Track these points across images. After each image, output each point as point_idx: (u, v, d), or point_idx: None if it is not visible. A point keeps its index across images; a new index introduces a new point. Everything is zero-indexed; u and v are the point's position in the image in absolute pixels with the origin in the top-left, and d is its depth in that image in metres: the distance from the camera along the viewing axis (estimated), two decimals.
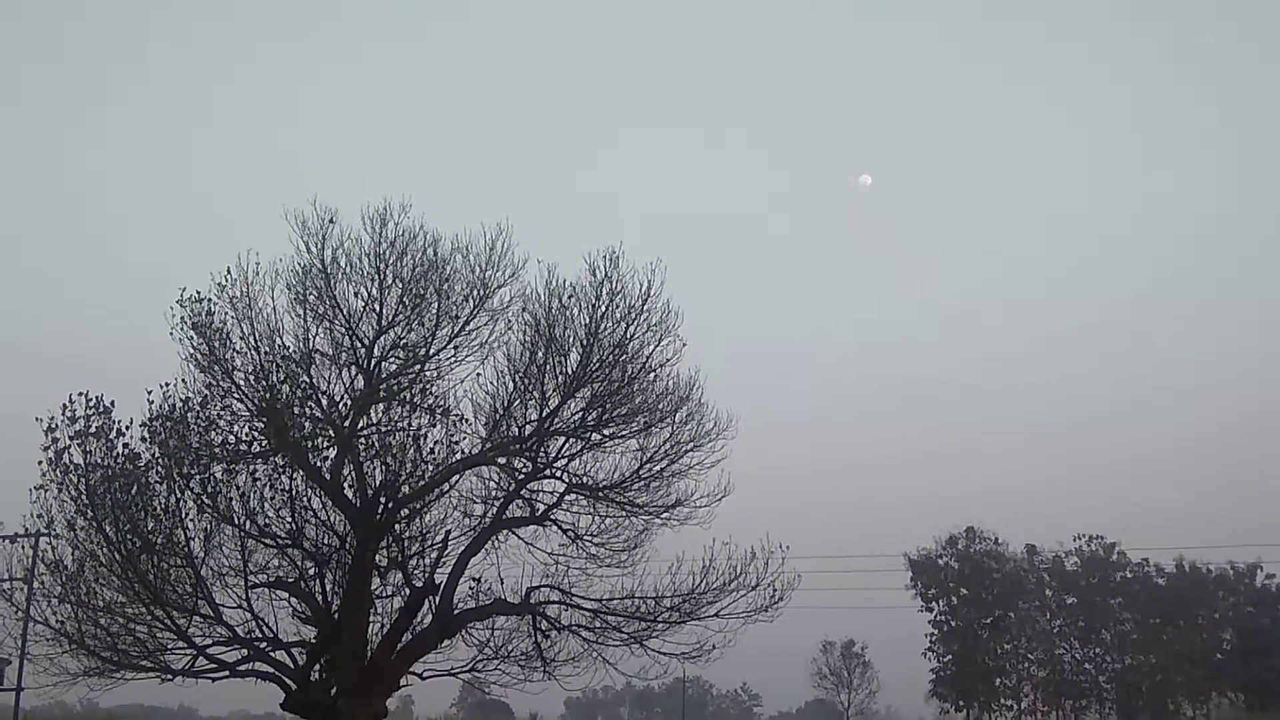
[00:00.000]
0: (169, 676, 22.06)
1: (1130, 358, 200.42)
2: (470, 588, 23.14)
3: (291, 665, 22.32)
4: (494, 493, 23.76)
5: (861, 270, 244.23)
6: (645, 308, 23.18)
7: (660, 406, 23.78)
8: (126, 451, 21.48)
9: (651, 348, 23.44)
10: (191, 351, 22.23)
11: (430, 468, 22.34)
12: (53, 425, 21.18)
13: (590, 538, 23.83)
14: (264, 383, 22.00)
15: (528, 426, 23.16)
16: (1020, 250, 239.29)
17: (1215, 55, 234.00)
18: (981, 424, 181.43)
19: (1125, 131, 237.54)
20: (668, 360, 23.60)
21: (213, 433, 22.07)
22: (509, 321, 23.45)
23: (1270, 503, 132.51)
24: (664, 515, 24.04)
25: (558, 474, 23.81)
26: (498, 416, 23.08)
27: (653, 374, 23.63)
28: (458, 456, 22.69)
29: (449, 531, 23.09)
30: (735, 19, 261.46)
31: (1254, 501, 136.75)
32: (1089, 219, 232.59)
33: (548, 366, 23.00)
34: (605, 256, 23.09)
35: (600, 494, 23.77)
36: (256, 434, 22.17)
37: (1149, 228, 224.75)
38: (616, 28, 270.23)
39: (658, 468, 23.81)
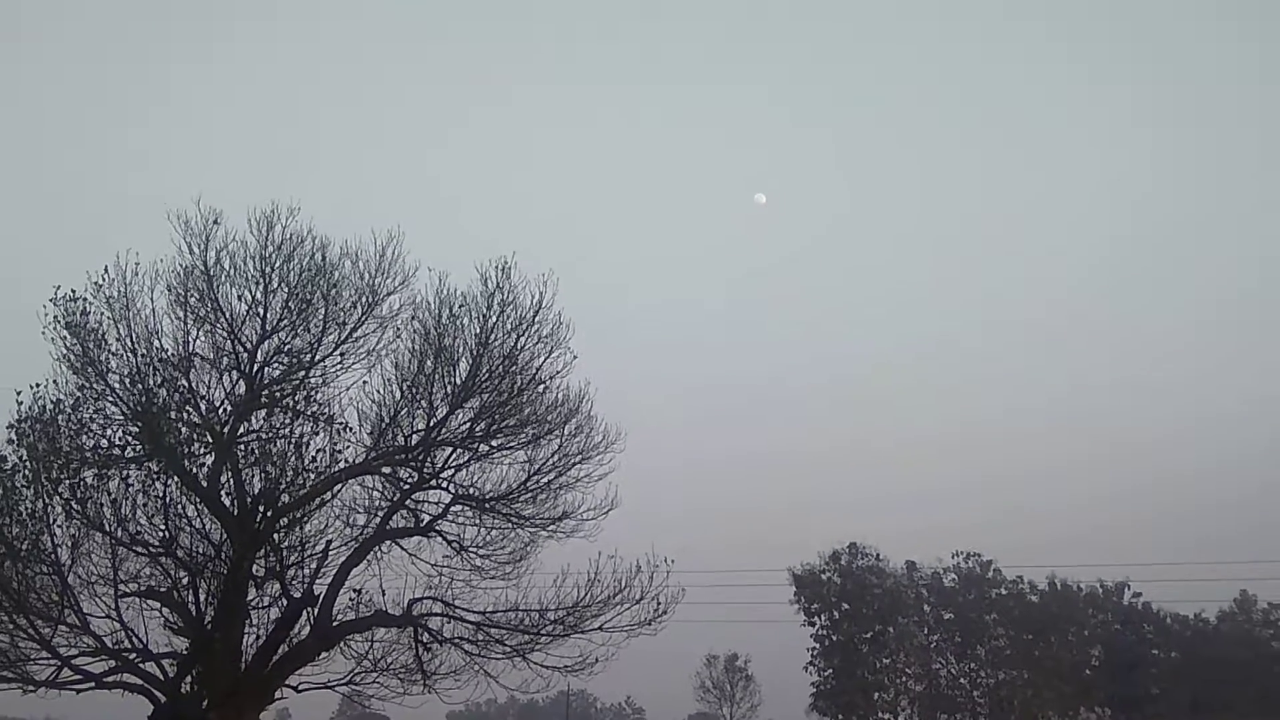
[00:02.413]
0: (31, 688, 21.23)
1: (1008, 377, 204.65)
2: (351, 599, 22.81)
3: (161, 677, 21.65)
4: (378, 503, 23.47)
5: (752, 280, 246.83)
6: (536, 319, 23.19)
7: (549, 418, 23.76)
8: None
9: (542, 359, 23.45)
10: (64, 352, 21.56)
11: (312, 476, 22.00)
12: None
13: (475, 549, 23.70)
14: (140, 386, 21.43)
15: (414, 436, 22.90)
16: (908, 260, 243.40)
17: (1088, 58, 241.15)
18: (864, 430, 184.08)
19: (1010, 131, 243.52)
20: (558, 372, 23.62)
21: (84, 436, 21.47)
22: (398, 329, 23.24)
23: (1138, 524, 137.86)
24: (550, 527, 24.03)
25: (444, 484, 23.61)
26: (384, 425, 22.78)
27: (542, 386, 23.60)
28: (341, 465, 22.38)
29: (330, 542, 22.76)
30: (625, 40, 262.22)
31: (1123, 523, 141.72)
32: (980, 230, 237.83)
33: (436, 376, 22.81)
34: (497, 266, 23.04)
35: (487, 505, 23.65)
36: (130, 438, 21.58)
37: (1045, 243, 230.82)
38: (523, 42, 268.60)
39: (545, 480, 23.79)
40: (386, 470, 23.19)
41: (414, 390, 22.79)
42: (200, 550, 21.91)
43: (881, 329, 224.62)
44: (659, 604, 22.96)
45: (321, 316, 22.76)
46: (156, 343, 21.78)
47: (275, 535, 22.11)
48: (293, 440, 22.12)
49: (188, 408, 21.85)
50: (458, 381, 22.85)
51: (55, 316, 21.54)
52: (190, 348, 22.14)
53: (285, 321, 22.61)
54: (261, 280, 22.41)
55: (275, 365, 22.80)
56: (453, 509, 23.59)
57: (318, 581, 22.44)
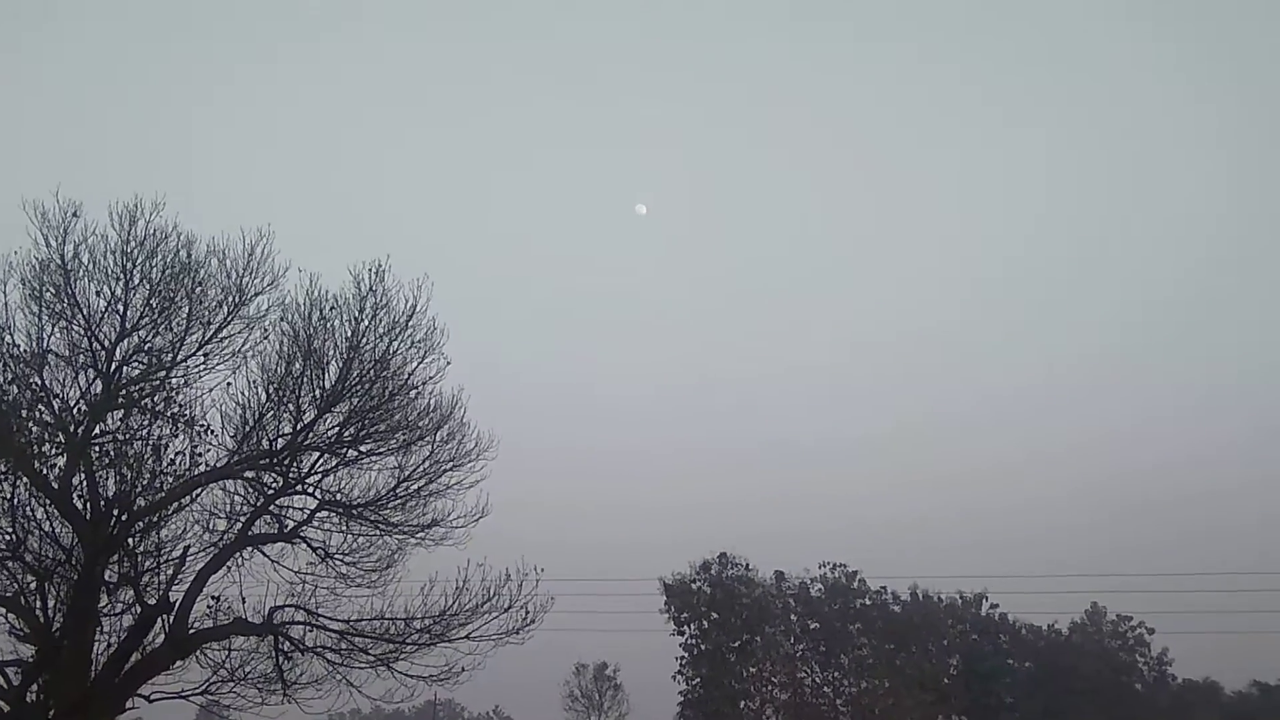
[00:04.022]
0: None
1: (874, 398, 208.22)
2: (209, 606, 22.18)
3: (5, 685, 20.82)
4: (240, 508, 22.88)
5: (633, 289, 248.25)
6: (410, 324, 22.99)
7: (421, 424, 23.54)
8: None
9: (414, 364, 23.21)
10: None
11: (170, 479, 21.46)
12: None
13: (341, 556, 23.30)
14: None
15: (280, 440, 22.42)
16: (793, 273, 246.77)
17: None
18: (730, 440, 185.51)
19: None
20: (431, 378, 23.41)
21: None
22: (265, 330, 22.71)
23: (999, 537, 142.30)
24: (419, 535, 23.78)
25: (310, 490, 23.15)
26: (248, 428, 22.25)
27: (414, 391, 23.37)
28: (201, 469, 21.85)
29: (188, 547, 22.18)
30: (508, 40, 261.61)
31: (985, 537, 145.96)
32: (867, 250, 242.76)
33: (305, 378, 22.39)
34: (370, 269, 22.76)
35: (354, 512, 23.26)
36: None
37: (936, 267, 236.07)
38: (411, 32, 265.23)
39: (415, 486, 23.54)
40: (250, 474, 22.65)
41: (280, 393, 22.31)
42: (49, 554, 21.18)
43: (771, 345, 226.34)
44: (527, 612, 22.92)
45: (185, 315, 22.18)
46: (8, 338, 21.09)
47: (130, 540, 21.46)
48: (151, 442, 21.55)
49: (40, 406, 21.13)
50: (327, 385, 22.45)
51: None
52: (44, 344, 21.44)
53: (146, 319, 21.96)
54: (122, 276, 21.73)
55: (134, 364, 22.14)
56: (318, 515, 23.16)
57: (174, 588, 21.83)
